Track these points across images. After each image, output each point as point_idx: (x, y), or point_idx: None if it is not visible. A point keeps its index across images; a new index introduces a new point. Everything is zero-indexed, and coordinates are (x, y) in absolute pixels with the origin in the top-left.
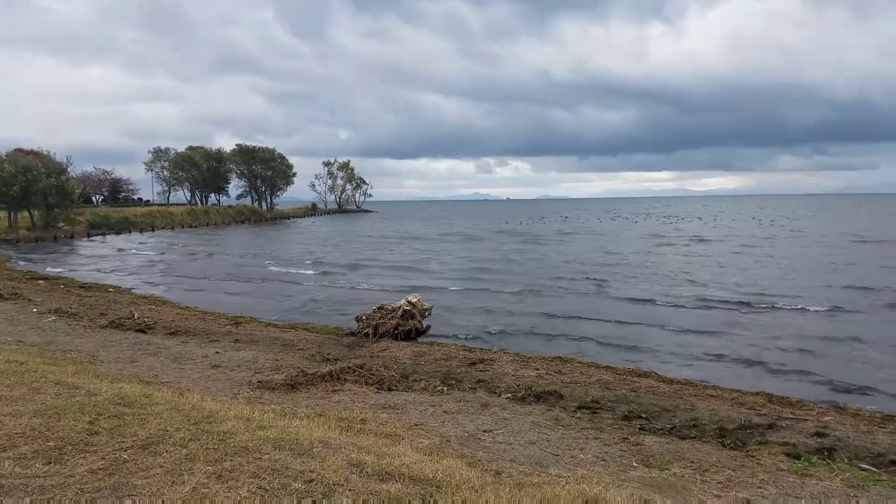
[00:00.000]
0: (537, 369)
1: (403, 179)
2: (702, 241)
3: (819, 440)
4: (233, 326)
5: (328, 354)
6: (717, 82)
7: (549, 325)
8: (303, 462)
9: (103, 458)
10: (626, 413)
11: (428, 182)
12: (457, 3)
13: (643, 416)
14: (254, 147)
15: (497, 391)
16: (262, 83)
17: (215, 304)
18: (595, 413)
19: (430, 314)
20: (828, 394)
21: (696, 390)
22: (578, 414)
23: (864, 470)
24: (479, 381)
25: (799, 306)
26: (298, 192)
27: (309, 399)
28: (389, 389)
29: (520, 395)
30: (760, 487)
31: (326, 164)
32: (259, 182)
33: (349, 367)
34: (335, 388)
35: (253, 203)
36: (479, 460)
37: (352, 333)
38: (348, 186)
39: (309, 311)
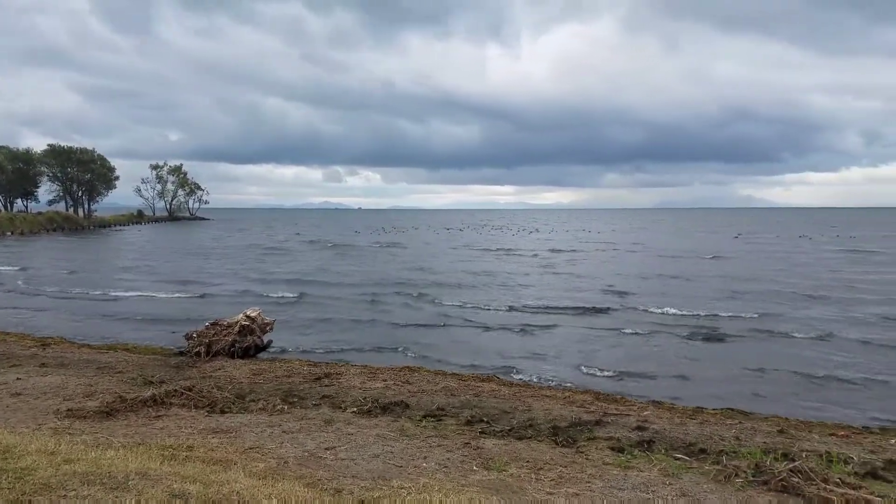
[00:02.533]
0: (385, 380)
1: (245, 186)
2: (524, 252)
3: (640, 434)
4: (39, 348)
5: (152, 377)
6: (550, 103)
7: (398, 334)
8: (116, 497)
9: None
10: (469, 418)
11: (274, 189)
12: (297, 8)
13: (485, 419)
14: (69, 148)
15: (343, 406)
16: (77, 79)
17: (17, 324)
18: (440, 420)
19: (271, 329)
20: (646, 390)
21: (532, 392)
22: (424, 423)
23: (678, 459)
24: (324, 396)
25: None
26: (123, 197)
27: (128, 427)
28: (223, 412)
29: (366, 408)
30: (588, 482)
31: (155, 167)
32: (76, 186)
33: (176, 390)
34: (159, 414)
35: (68, 209)
36: (319, 480)
37: (181, 353)
38: (180, 192)
39: (131, 330)
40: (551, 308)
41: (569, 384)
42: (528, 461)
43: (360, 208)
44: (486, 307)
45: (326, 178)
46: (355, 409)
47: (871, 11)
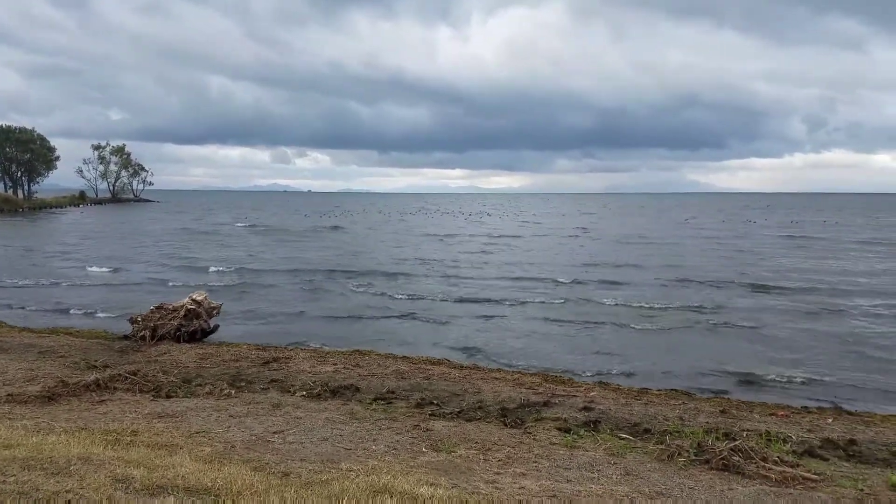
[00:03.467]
0: (335, 364)
1: (190, 167)
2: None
3: (586, 414)
4: None
5: (96, 361)
6: (500, 87)
7: (349, 318)
8: (57, 482)
9: None
10: (419, 400)
11: (220, 171)
12: None
13: (435, 402)
14: (8, 127)
15: (291, 390)
16: (15, 56)
17: None
18: (390, 403)
19: (218, 313)
20: (595, 370)
21: (482, 374)
22: (374, 406)
23: (622, 439)
24: (273, 380)
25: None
26: (64, 178)
27: (70, 412)
28: (168, 396)
29: (315, 391)
30: (535, 462)
31: (97, 147)
32: (14, 167)
33: (120, 375)
34: (103, 399)
35: (7, 190)
36: (267, 463)
37: (125, 337)
38: (124, 173)
39: (74, 314)
40: (494, 293)
41: (518, 366)
42: (476, 442)
43: (310, 191)
44: (429, 294)
45: (274, 159)
46: (304, 392)
47: (816, 2)
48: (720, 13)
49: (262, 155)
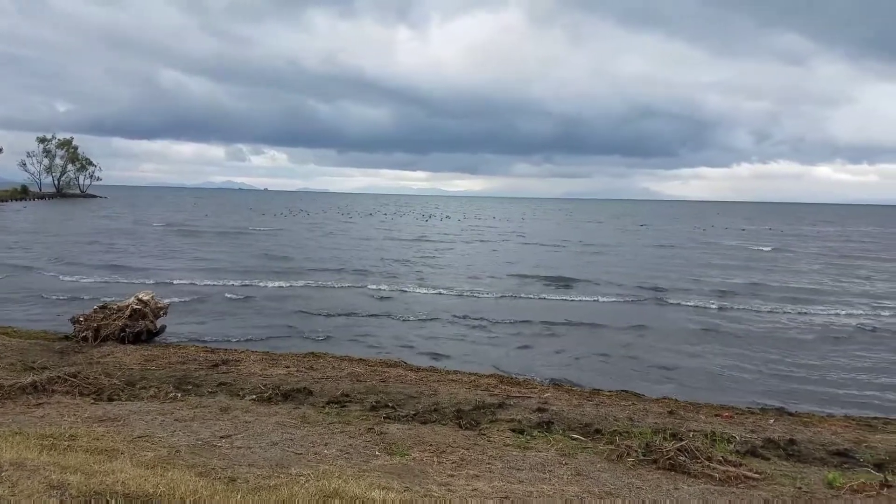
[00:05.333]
0: (287, 367)
1: (141, 162)
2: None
3: (540, 415)
4: None
5: (33, 363)
6: (461, 90)
7: (301, 321)
8: None
9: None
10: (374, 403)
11: (172, 167)
12: None
13: (390, 404)
14: None
15: (241, 393)
16: None
17: None
18: (344, 406)
19: (165, 313)
20: (551, 372)
21: (439, 376)
22: (327, 409)
23: (574, 439)
24: (222, 383)
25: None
26: (6, 171)
27: (4, 415)
28: (110, 399)
29: (266, 395)
30: (489, 463)
31: (42, 140)
32: None
33: (59, 377)
34: (40, 402)
35: None
36: (213, 468)
37: (66, 337)
38: (70, 167)
39: (10, 312)
40: (434, 297)
41: (475, 369)
42: (431, 445)
43: (266, 189)
44: (370, 293)
45: (229, 156)
46: (254, 396)
47: (763, 16)
48: (672, 24)
49: (216, 151)
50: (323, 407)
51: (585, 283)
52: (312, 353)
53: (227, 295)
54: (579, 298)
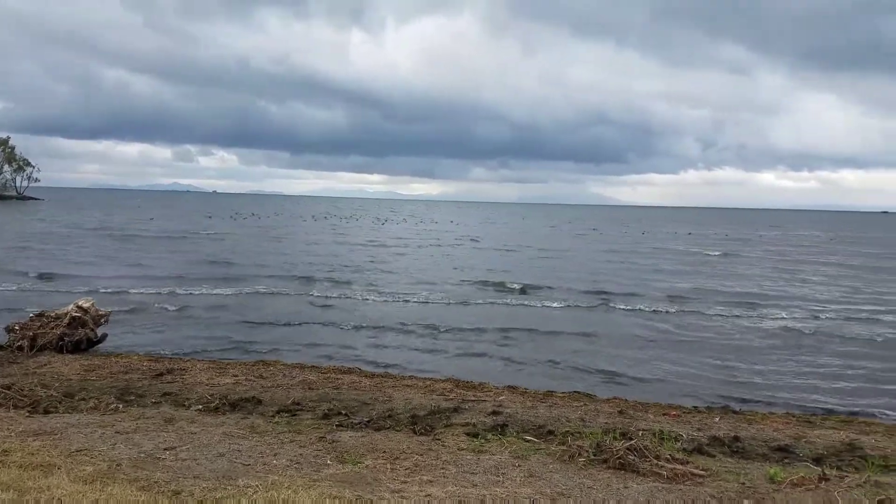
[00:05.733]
0: (236, 376)
1: (82, 163)
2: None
3: (494, 418)
4: None
5: None
6: (417, 94)
7: (245, 330)
8: None
9: None
10: (327, 411)
11: (116, 168)
12: None
13: (343, 412)
14: None
15: (187, 404)
16: None
17: None
18: (295, 415)
19: (107, 321)
20: (504, 377)
21: (394, 381)
22: (277, 418)
23: (527, 441)
24: (166, 393)
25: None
26: None
27: None
28: (47, 412)
29: (213, 405)
30: (443, 468)
31: None
32: None
33: None
34: None
35: None
36: (156, 482)
37: (0, 347)
38: (7, 168)
39: None
40: (384, 302)
41: (430, 373)
42: (384, 451)
43: (214, 192)
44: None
45: (177, 157)
46: (201, 406)
47: (710, 27)
48: (621, 33)
49: (163, 152)
50: (273, 416)
51: (538, 288)
52: (262, 361)
53: (165, 305)
54: (532, 303)
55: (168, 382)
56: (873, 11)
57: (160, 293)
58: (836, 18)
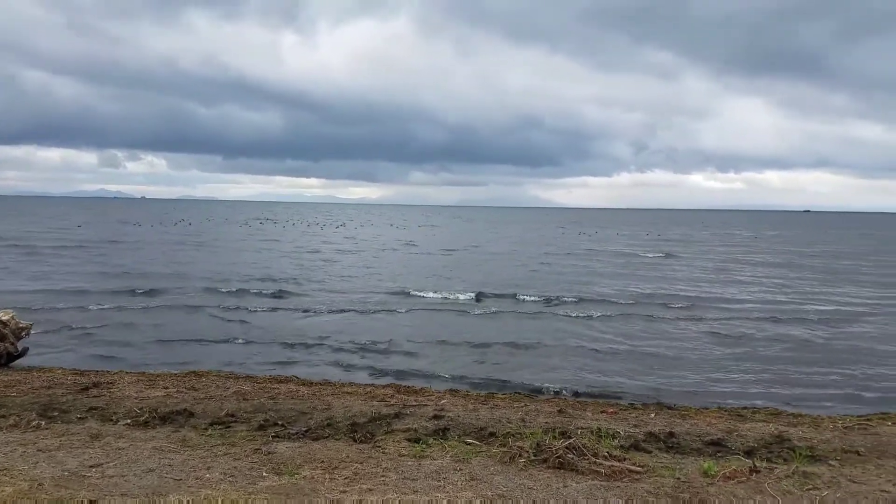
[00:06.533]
0: (166, 388)
1: (1, 170)
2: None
3: (436, 422)
4: None
5: None
6: (354, 97)
7: (182, 337)
8: None
9: None
10: (263, 422)
11: (37, 174)
12: None
13: (279, 422)
14: None
15: (114, 418)
16: None
17: None
18: (229, 427)
19: (27, 334)
20: (446, 381)
21: (333, 389)
22: (210, 431)
23: (469, 444)
24: (92, 408)
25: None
26: None
27: None
28: None
29: (142, 419)
30: (383, 476)
31: None
32: None
33: None
34: None
35: None
36: (81, 501)
37: None
38: None
39: None
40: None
41: (371, 380)
42: (322, 461)
43: (143, 197)
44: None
45: (102, 162)
46: (129, 420)
47: (637, 32)
48: (553, 39)
49: (87, 157)
50: (205, 429)
51: (476, 292)
52: (194, 371)
53: (73, 322)
54: (474, 311)
55: (94, 397)
56: (791, 18)
57: (70, 307)
58: (755, 25)
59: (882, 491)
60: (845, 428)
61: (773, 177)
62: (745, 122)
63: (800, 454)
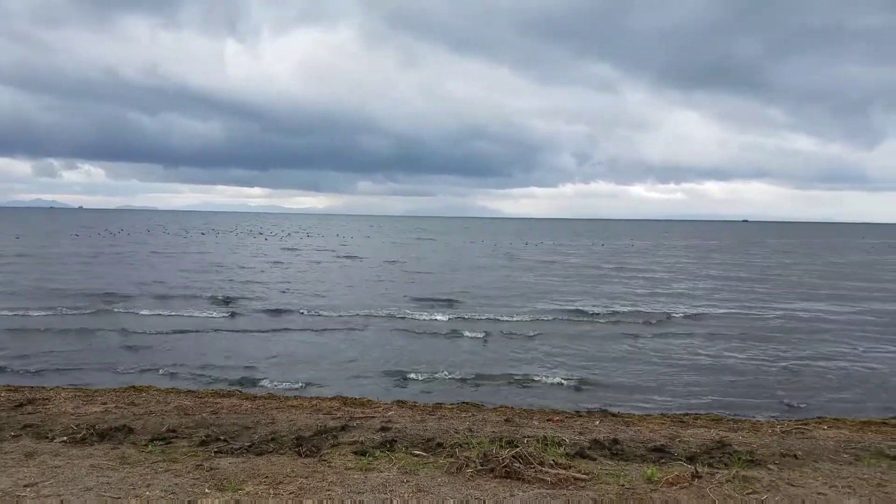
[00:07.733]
0: (105, 403)
1: None
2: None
3: (383, 434)
4: None
5: None
6: (298, 106)
7: (121, 350)
8: None
9: None
10: (205, 437)
11: None
12: None
13: (222, 437)
14: None
15: (50, 436)
16: None
17: None
18: (170, 443)
19: None
20: (392, 391)
21: (278, 403)
22: (150, 447)
23: (416, 455)
24: (27, 426)
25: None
26: None
27: None
28: None
29: (80, 436)
30: (329, 490)
31: None
32: None
33: None
34: None
35: None
36: None
37: None
38: None
39: None
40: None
41: (316, 393)
42: (267, 476)
43: (81, 208)
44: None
45: (38, 172)
46: (66, 438)
47: (576, 47)
48: (495, 51)
49: (22, 167)
50: (145, 445)
51: (417, 304)
52: (134, 386)
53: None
54: (419, 327)
55: (29, 413)
56: (725, 33)
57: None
58: (691, 40)
59: (819, 493)
60: (783, 432)
61: (712, 187)
62: (685, 133)
63: (740, 459)
